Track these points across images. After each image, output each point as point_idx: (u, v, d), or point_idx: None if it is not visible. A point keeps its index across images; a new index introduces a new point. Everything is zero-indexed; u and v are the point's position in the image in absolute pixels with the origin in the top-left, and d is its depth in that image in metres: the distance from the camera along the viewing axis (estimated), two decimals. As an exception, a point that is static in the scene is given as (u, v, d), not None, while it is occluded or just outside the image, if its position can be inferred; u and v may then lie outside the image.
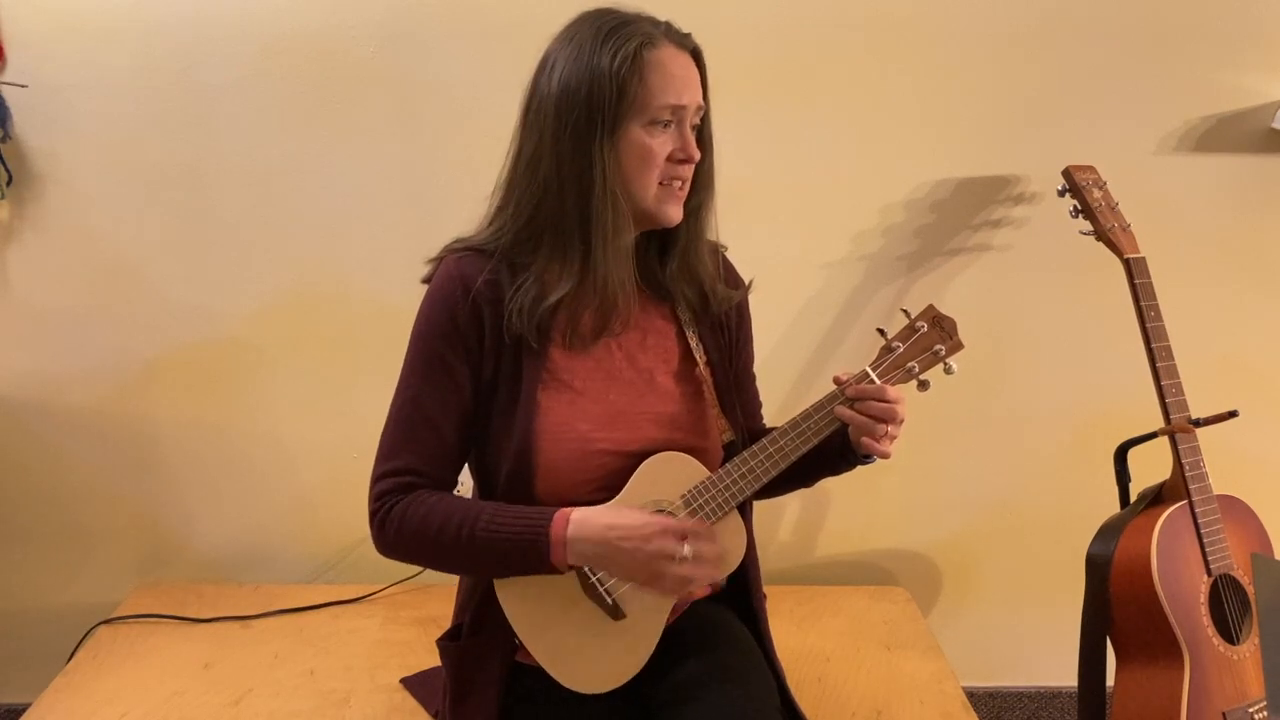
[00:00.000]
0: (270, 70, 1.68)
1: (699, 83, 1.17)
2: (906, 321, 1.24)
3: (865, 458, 1.24)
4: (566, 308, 1.19)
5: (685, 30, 1.18)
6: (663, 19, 1.17)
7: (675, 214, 1.19)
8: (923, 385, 1.23)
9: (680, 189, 1.19)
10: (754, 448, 1.21)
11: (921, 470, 1.95)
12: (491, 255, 1.20)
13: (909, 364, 1.21)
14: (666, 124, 1.15)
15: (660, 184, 1.17)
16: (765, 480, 1.21)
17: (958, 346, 1.23)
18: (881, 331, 1.25)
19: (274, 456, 1.88)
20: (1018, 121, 1.76)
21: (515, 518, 1.14)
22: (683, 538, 1.13)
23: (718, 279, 1.29)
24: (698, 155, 1.17)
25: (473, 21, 1.67)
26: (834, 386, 1.22)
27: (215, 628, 1.74)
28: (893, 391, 1.19)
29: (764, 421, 1.43)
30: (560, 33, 1.17)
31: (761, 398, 1.44)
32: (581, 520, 1.13)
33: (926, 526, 2.01)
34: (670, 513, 1.19)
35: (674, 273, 1.26)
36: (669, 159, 1.16)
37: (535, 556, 1.14)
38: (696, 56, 1.18)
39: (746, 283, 1.36)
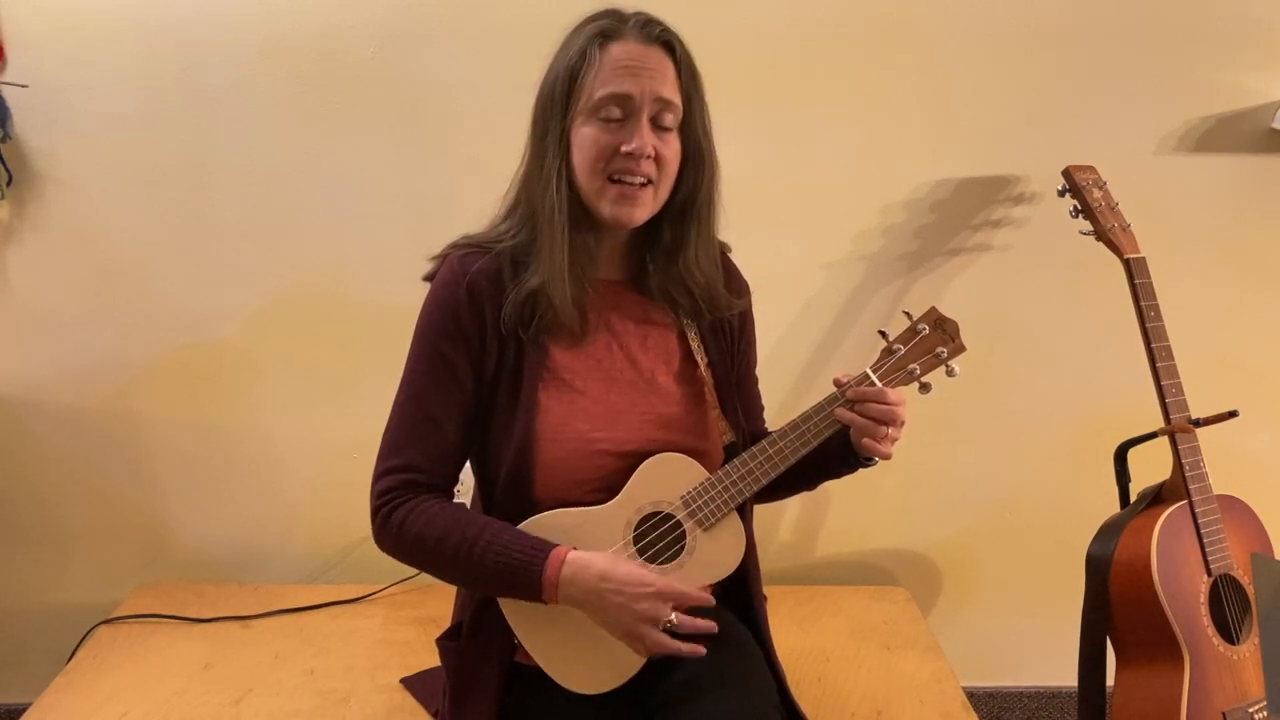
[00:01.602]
0: (270, 70, 1.68)
1: (663, 75, 1.14)
2: (908, 323, 1.23)
3: (866, 460, 1.24)
4: (543, 300, 1.18)
5: (664, 25, 1.16)
6: (651, 16, 1.16)
7: (629, 215, 1.16)
8: (924, 388, 1.22)
9: (639, 187, 1.15)
10: (753, 449, 1.21)
11: (921, 470, 1.95)
12: (496, 253, 1.20)
13: (910, 366, 1.21)
14: (611, 114, 1.13)
15: (611, 180, 1.14)
16: (764, 482, 1.21)
17: (960, 349, 1.22)
18: (883, 333, 1.24)
19: (274, 456, 1.88)
20: (1018, 121, 1.76)
21: (513, 547, 1.14)
22: (673, 604, 1.12)
23: (717, 283, 1.27)
24: (646, 150, 1.13)
25: (473, 21, 1.67)
26: (834, 388, 1.21)
27: (215, 628, 1.73)
28: (893, 394, 1.18)
29: (766, 424, 1.43)
30: None
31: (763, 399, 1.44)
32: (578, 566, 1.12)
33: (926, 526, 2.01)
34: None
35: (662, 275, 1.24)
36: (618, 153, 1.13)
37: (527, 590, 1.13)
38: (671, 51, 1.15)
39: (749, 285, 1.36)
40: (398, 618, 1.79)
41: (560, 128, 1.15)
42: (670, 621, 1.12)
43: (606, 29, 1.14)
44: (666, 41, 1.15)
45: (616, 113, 1.13)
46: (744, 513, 1.27)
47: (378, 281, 1.77)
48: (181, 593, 1.84)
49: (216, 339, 1.80)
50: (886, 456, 1.19)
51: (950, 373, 1.22)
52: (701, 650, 1.14)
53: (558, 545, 1.14)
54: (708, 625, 1.14)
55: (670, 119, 1.16)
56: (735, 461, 1.21)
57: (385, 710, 1.53)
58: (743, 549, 1.24)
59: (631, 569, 1.13)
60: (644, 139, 1.13)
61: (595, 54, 1.12)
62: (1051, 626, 2.01)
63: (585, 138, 1.14)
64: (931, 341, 1.22)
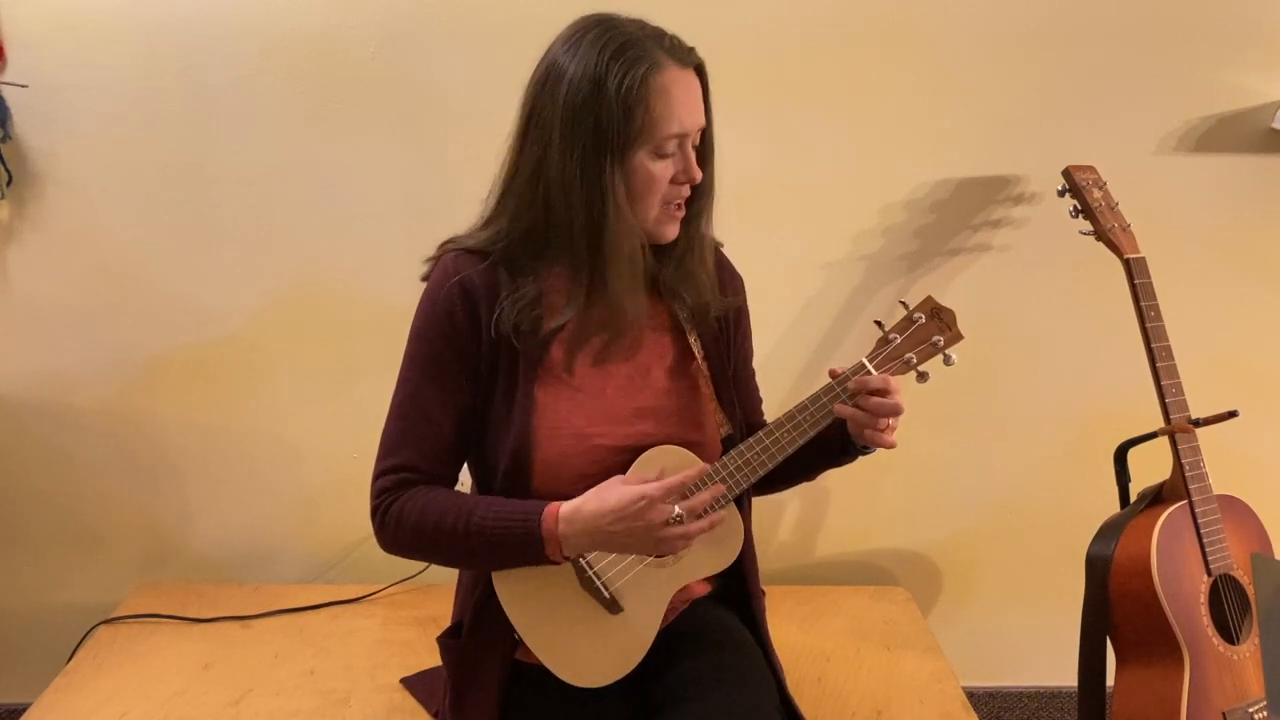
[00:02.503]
0: (270, 70, 1.68)
1: (702, 102, 1.16)
2: (904, 313, 1.23)
3: (864, 448, 1.24)
4: (571, 330, 1.19)
5: (689, 45, 1.16)
6: (668, 29, 1.15)
7: (672, 233, 1.20)
8: (921, 377, 1.22)
9: (678, 208, 1.19)
10: (750, 441, 1.21)
11: (921, 470, 1.95)
12: (491, 256, 1.20)
13: (907, 355, 1.21)
14: (672, 150, 1.15)
15: (663, 204, 1.17)
16: (762, 473, 1.21)
17: (957, 338, 1.22)
18: (879, 323, 1.24)
19: (274, 456, 1.88)
20: (1018, 121, 1.76)
21: (507, 514, 1.15)
22: (673, 499, 1.13)
23: (714, 279, 1.28)
24: (699, 176, 1.17)
25: (473, 22, 1.67)
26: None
27: (215, 628, 1.74)
28: (893, 382, 1.18)
29: (764, 417, 1.43)
30: (563, 40, 1.14)
31: (763, 397, 1.44)
32: (570, 516, 1.13)
33: (926, 526, 2.01)
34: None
35: (672, 276, 1.25)
36: (671, 181, 1.16)
37: (531, 552, 1.14)
38: (700, 72, 1.17)
39: (742, 278, 1.36)
40: (398, 618, 1.79)
41: (622, 159, 1.12)
42: (679, 516, 1.13)
43: (655, 59, 1.11)
44: (699, 64, 1.16)
45: (674, 146, 1.15)
46: (742, 505, 1.27)
47: (378, 281, 1.77)
48: (181, 593, 1.84)
49: (216, 339, 1.80)
50: (891, 446, 1.19)
51: (947, 361, 1.22)
52: (720, 518, 1.17)
53: (547, 504, 1.15)
54: (712, 495, 1.16)
55: (698, 139, 1.19)
56: (732, 453, 1.21)
57: (385, 710, 1.53)
58: (740, 541, 1.24)
59: (620, 493, 1.13)
60: (695, 167, 1.16)
61: (651, 87, 1.10)
62: (1051, 626, 2.01)
63: (643, 170, 1.13)
64: (928, 330, 1.22)
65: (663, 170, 1.15)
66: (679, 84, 1.12)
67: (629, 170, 1.13)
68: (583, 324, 1.20)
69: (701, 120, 1.17)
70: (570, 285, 1.18)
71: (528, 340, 1.18)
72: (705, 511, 1.17)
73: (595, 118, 1.10)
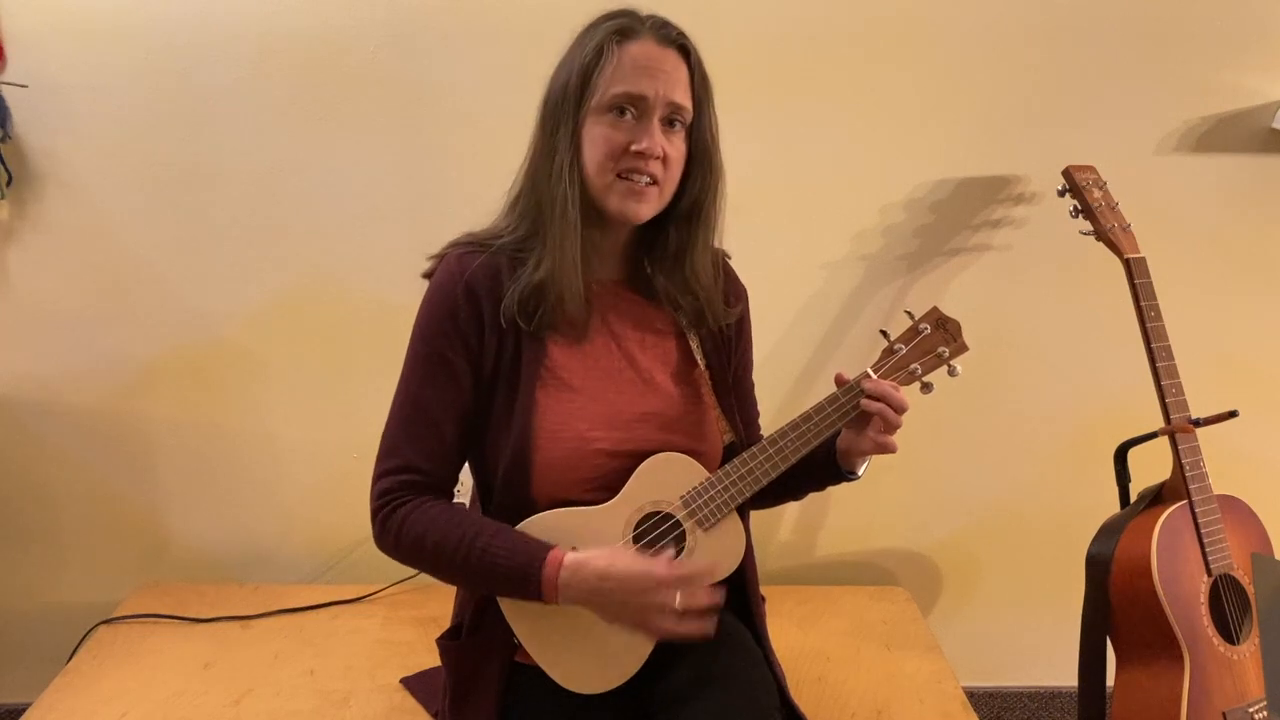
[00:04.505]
0: (270, 71, 1.68)
1: (677, 78, 1.15)
2: (910, 323, 1.23)
3: (849, 474, 1.26)
4: (550, 293, 1.18)
5: (680, 29, 1.16)
6: (667, 19, 1.16)
7: (636, 211, 1.16)
8: (926, 387, 1.23)
9: (645, 186, 1.15)
10: (754, 449, 1.21)
11: (921, 470, 1.95)
12: (494, 250, 1.20)
13: (912, 365, 1.21)
14: (623, 112, 1.13)
15: (619, 177, 1.15)
16: (764, 482, 1.21)
17: (962, 349, 1.22)
18: (884, 333, 1.24)
19: (274, 456, 1.88)
20: (1018, 121, 1.76)
21: (511, 550, 1.13)
22: (675, 587, 1.10)
23: (717, 288, 1.27)
24: (656, 151, 1.14)
25: (473, 22, 1.67)
26: (834, 388, 1.21)
27: (215, 628, 1.74)
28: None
29: (761, 432, 1.42)
30: None
31: (762, 398, 1.43)
32: (574, 567, 1.11)
33: (926, 526, 2.01)
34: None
35: (667, 279, 1.25)
36: (628, 151, 1.14)
37: (527, 592, 1.13)
38: (686, 55, 1.16)
39: (746, 291, 1.36)
40: (398, 618, 1.79)
41: (573, 123, 1.14)
42: (675, 609, 1.10)
43: (623, 27, 1.14)
44: (682, 45, 1.16)
45: (630, 111, 1.14)
46: (742, 513, 1.27)
47: (378, 281, 1.77)
48: (181, 593, 1.84)
49: (217, 339, 1.80)
50: (893, 449, 1.20)
51: (952, 372, 1.22)
52: (712, 629, 1.12)
53: (554, 548, 1.13)
54: (713, 598, 1.12)
55: (680, 122, 1.17)
56: (735, 461, 1.21)
57: (385, 710, 1.53)
58: (742, 549, 1.24)
59: (630, 563, 1.11)
60: (655, 140, 1.13)
61: (612, 51, 1.12)
62: (1051, 626, 2.01)
63: (597, 134, 1.14)
64: (933, 341, 1.22)
65: (612, 132, 1.13)
66: (647, 54, 1.13)
67: (584, 132, 1.15)
68: (556, 295, 1.18)
69: (672, 95, 1.14)
70: (541, 251, 1.17)
71: (525, 321, 1.18)
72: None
73: (563, 84, 1.15)
